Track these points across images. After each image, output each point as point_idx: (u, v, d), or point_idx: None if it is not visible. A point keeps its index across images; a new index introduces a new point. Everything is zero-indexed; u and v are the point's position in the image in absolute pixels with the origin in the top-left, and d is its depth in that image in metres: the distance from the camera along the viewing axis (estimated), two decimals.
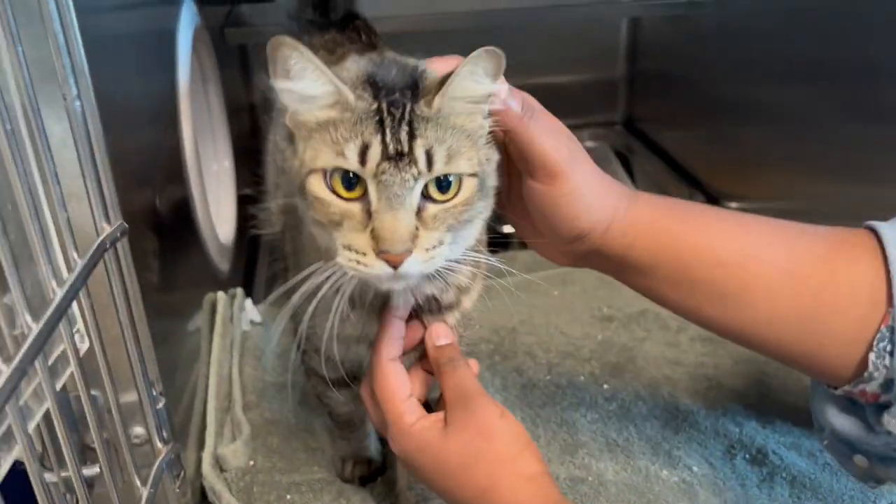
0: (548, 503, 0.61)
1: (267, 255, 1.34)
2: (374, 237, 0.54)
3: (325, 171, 0.55)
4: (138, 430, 0.68)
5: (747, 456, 0.88)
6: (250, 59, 1.52)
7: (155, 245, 0.79)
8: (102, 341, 0.59)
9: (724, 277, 0.65)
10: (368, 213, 0.55)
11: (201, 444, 0.83)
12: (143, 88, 0.81)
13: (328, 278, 0.58)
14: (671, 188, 1.46)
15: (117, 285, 0.59)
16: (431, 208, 0.56)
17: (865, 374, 0.62)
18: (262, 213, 0.94)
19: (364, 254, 0.54)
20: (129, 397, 0.66)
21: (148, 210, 0.78)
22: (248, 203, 1.31)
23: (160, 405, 0.68)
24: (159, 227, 0.81)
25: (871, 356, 0.61)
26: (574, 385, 1.00)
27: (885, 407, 0.63)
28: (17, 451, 0.47)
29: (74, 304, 0.54)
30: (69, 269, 0.54)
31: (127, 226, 0.59)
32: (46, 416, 0.52)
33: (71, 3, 0.53)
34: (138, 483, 0.64)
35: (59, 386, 0.55)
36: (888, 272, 0.60)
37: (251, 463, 0.83)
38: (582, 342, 1.09)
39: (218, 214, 1.16)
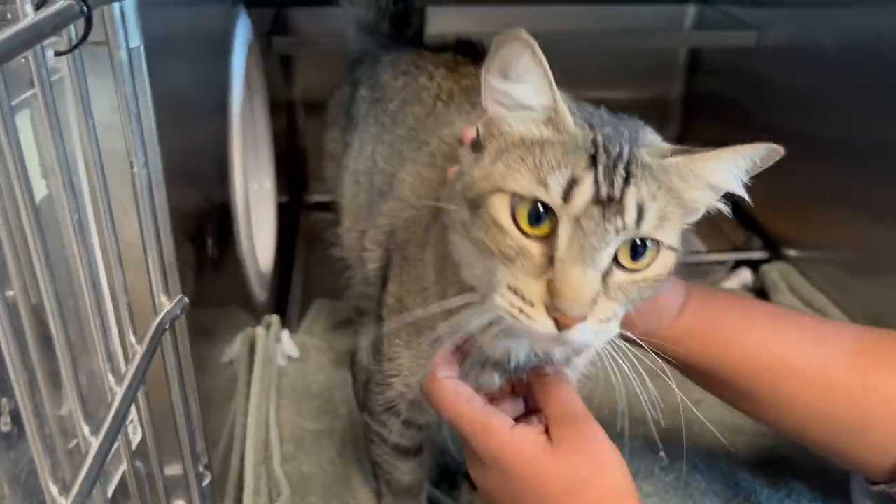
0: None
1: (301, 276, 1.29)
2: (552, 290, 0.46)
3: (514, 196, 0.48)
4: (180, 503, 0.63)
5: None
6: (295, 66, 1.45)
7: (202, 283, 0.73)
8: (154, 423, 0.53)
9: (759, 385, 0.70)
10: (550, 259, 0.47)
11: (238, 503, 0.77)
12: (199, 115, 0.75)
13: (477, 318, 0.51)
14: (727, 228, 1.39)
15: (172, 367, 0.54)
16: (619, 275, 0.49)
17: None
18: (334, 237, 0.89)
19: (532, 304, 0.47)
20: (174, 470, 0.61)
21: (202, 242, 0.73)
22: (284, 212, 1.27)
23: (206, 482, 0.63)
24: (203, 266, 0.76)
25: None
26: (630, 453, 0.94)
27: None
28: None
29: None
30: (126, 358, 0.48)
31: (187, 300, 0.54)
32: None
33: (144, 63, 0.47)
34: None
35: (113, 485, 0.50)
36: None
37: None
38: (633, 400, 1.03)
39: (258, 239, 1.10)
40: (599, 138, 0.48)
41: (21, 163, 0.34)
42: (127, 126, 0.46)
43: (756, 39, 1.33)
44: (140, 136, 0.47)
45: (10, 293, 0.38)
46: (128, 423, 0.51)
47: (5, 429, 0.39)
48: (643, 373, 0.60)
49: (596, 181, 0.46)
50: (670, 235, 0.49)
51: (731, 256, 1.32)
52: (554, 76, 0.49)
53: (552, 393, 0.60)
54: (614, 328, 0.50)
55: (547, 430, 0.59)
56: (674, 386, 0.98)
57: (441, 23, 1.23)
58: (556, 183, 0.46)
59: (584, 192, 0.46)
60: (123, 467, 0.48)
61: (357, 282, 0.83)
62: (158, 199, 0.51)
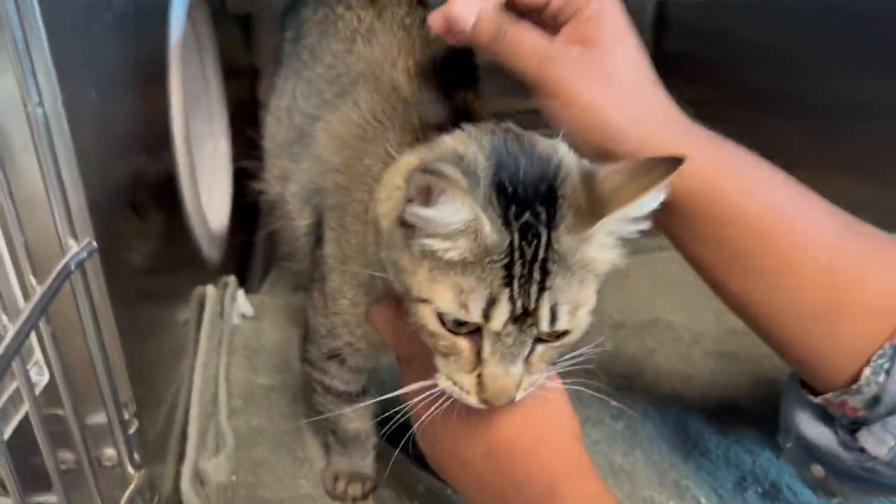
0: (587, 469, 0.57)
1: (264, 242, 1.28)
2: (481, 384, 0.51)
3: (437, 310, 0.50)
4: (109, 451, 0.63)
5: (759, 490, 0.83)
6: (253, 26, 1.44)
7: (134, 236, 0.73)
8: (65, 364, 0.53)
9: (761, 251, 0.62)
10: (478, 354, 0.51)
11: (181, 457, 0.78)
12: (127, 68, 0.74)
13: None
14: None
15: (85, 309, 0.54)
16: (540, 349, 0.52)
17: (854, 387, 0.61)
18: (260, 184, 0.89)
19: (468, 392, 0.52)
20: (99, 418, 0.61)
21: (127, 202, 0.72)
22: (244, 178, 1.26)
23: (132, 428, 0.63)
24: (140, 217, 0.75)
25: (867, 370, 0.61)
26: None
27: (860, 423, 0.63)
28: None
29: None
30: (26, 298, 0.48)
31: (96, 245, 0.54)
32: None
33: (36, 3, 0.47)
34: None
35: (17, 418, 0.50)
36: None
37: (233, 477, 0.79)
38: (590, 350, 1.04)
39: (211, 199, 1.09)
40: (516, 239, 0.48)
41: None
42: (16, 63, 0.46)
43: None
44: (32, 73, 0.47)
45: None
46: (30, 365, 0.51)
47: None
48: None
49: (511, 298, 0.48)
50: (585, 313, 0.51)
51: None
52: None
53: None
54: (537, 381, 0.54)
55: None
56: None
57: None
58: (476, 306, 0.49)
59: (501, 312, 0.49)
60: (25, 407, 0.48)
61: (286, 236, 0.82)
62: (59, 139, 0.51)
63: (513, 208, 0.48)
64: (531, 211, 0.48)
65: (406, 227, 0.51)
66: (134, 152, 0.74)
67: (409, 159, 0.56)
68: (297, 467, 0.84)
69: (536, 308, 0.49)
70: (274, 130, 0.84)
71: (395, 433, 0.89)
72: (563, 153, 0.52)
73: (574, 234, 0.49)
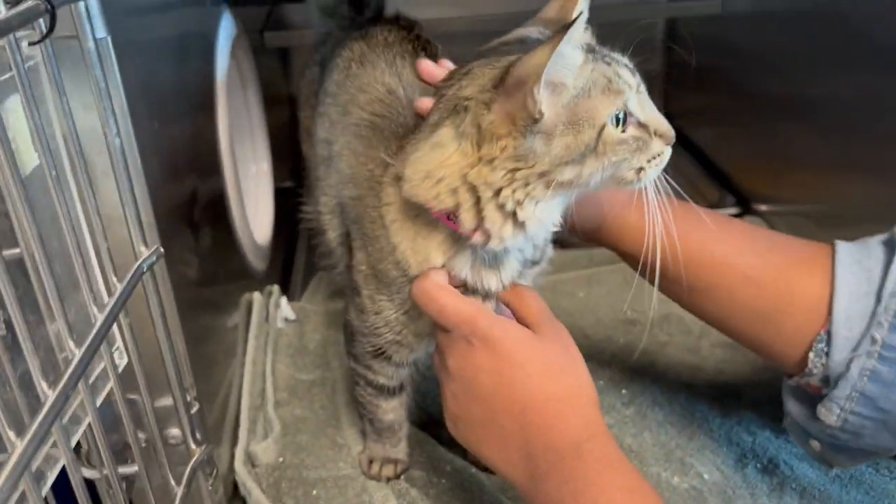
0: (607, 433, 0.65)
1: (304, 252, 1.39)
2: (660, 135, 0.63)
3: (612, 118, 0.60)
4: (174, 431, 0.73)
5: (759, 465, 0.90)
6: (291, 58, 1.56)
7: (192, 249, 0.84)
8: (140, 354, 0.64)
9: (696, 275, 0.77)
10: (643, 129, 0.63)
11: (235, 441, 0.88)
12: (182, 102, 0.85)
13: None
14: (702, 187, 1.47)
15: (154, 304, 0.64)
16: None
17: (806, 370, 0.72)
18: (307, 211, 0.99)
19: (663, 152, 0.64)
20: (166, 401, 0.71)
21: (185, 219, 0.83)
22: (286, 196, 1.37)
23: (194, 409, 0.73)
24: (196, 233, 0.86)
25: (811, 355, 0.71)
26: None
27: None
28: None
29: (115, 326, 0.59)
30: (110, 294, 0.59)
31: (163, 250, 0.64)
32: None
33: (112, 51, 0.58)
34: (173, 482, 0.69)
35: (99, 401, 0.61)
36: (832, 287, 0.71)
37: (280, 459, 0.89)
38: (604, 345, 1.12)
39: (256, 215, 1.21)
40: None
41: (4, 136, 0.44)
42: (99, 104, 0.57)
43: (720, 6, 1.39)
44: (111, 111, 0.58)
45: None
46: (114, 348, 0.62)
47: (1, 333, 0.49)
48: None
49: (620, 64, 0.64)
50: None
51: None
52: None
53: (527, 299, 0.71)
54: None
55: None
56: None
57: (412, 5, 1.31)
58: (623, 85, 0.62)
59: (627, 76, 0.63)
60: (111, 384, 0.59)
61: (325, 248, 0.90)
62: (132, 164, 0.61)
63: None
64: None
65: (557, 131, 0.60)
66: (189, 174, 0.85)
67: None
68: (337, 451, 0.93)
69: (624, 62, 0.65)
70: (313, 165, 0.95)
71: (427, 420, 0.99)
72: None
73: None
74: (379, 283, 0.75)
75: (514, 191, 0.61)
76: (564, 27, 0.56)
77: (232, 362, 0.97)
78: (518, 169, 0.60)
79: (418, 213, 0.68)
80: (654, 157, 0.63)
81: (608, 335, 1.14)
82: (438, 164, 0.63)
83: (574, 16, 0.62)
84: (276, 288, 1.18)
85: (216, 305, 0.95)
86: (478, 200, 0.62)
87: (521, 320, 0.70)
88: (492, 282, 0.71)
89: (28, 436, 0.45)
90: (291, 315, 1.14)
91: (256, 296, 1.08)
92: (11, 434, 0.44)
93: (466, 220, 0.63)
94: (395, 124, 0.74)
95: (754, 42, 1.41)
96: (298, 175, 1.61)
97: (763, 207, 1.36)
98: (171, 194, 0.76)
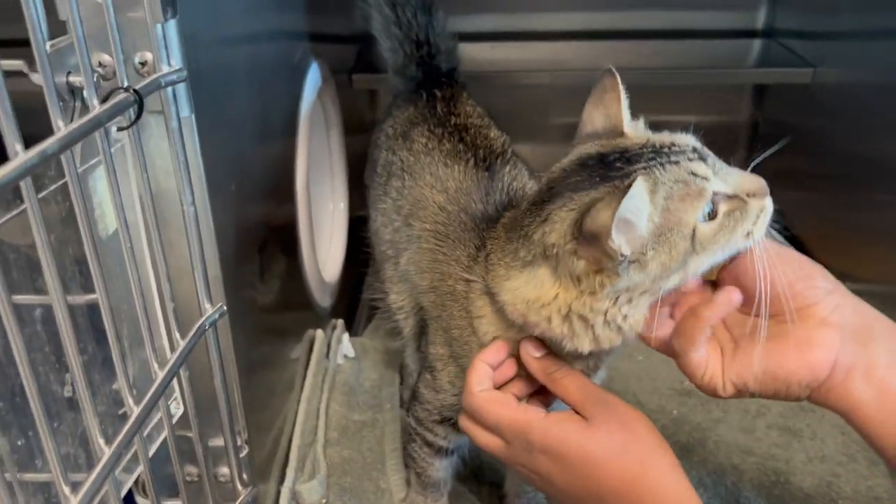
0: (689, 492, 0.65)
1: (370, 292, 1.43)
2: (753, 194, 0.63)
3: (703, 216, 0.62)
4: (224, 470, 0.78)
5: None
6: (378, 95, 1.61)
7: (258, 284, 0.88)
8: (196, 398, 0.68)
9: None
10: (732, 199, 0.63)
11: (282, 478, 0.92)
12: (263, 154, 0.90)
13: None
14: None
15: (215, 359, 0.69)
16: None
17: None
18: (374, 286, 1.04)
19: (764, 207, 0.63)
20: (218, 441, 0.76)
21: (254, 257, 0.87)
22: (361, 224, 1.41)
23: (244, 453, 0.78)
24: (264, 270, 0.90)
25: None
26: None
27: None
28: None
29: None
30: (172, 349, 0.63)
31: (226, 308, 0.69)
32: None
33: (194, 127, 0.62)
34: None
35: (154, 449, 0.65)
36: None
37: (324, 500, 0.92)
38: (656, 416, 1.11)
39: (328, 253, 1.25)
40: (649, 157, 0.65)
41: (86, 208, 0.49)
42: (178, 175, 0.62)
43: (811, 77, 1.36)
44: (188, 182, 0.62)
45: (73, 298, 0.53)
46: (171, 400, 0.67)
47: (68, 394, 0.54)
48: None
49: (689, 159, 0.63)
50: None
51: None
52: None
53: (568, 383, 0.71)
54: None
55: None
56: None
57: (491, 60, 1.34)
58: (701, 182, 0.62)
59: (700, 166, 0.63)
60: (165, 433, 0.63)
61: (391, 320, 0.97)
62: (204, 227, 0.66)
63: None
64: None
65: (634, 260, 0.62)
66: (262, 220, 0.90)
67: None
68: (379, 497, 0.96)
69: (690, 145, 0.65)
70: (374, 240, 1.01)
71: (468, 475, 1.01)
72: None
73: None
74: (456, 374, 0.79)
75: (620, 308, 0.64)
76: (622, 190, 0.58)
77: (288, 397, 1.01)
78: (621, 293, 0.64)
79: (511, 324, 0.71)
80: (758, 215, 0.63)
81: (661, 405, 1.14)
82: (540, 296, 0.66)
83: (624, 127, 0.66)
84: (340, 323, 1.22)
85: (278, 339, 0.99)
86: (587, 322, 0.65)
87: (564, 400, 0.72)
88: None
89: (81, 492, 0.49)
90: (351, 353, 1.18)
91: (319, 333, 1.12)
92: (67, 489, 0.49)
93: (583, 343, 0.67)
94: (452, 239, 0.80)
95: (844, 108, 1.37)
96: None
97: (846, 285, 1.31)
98: (241, 241, 0.80)
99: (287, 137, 0.99)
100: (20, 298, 0.55)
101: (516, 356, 0.74)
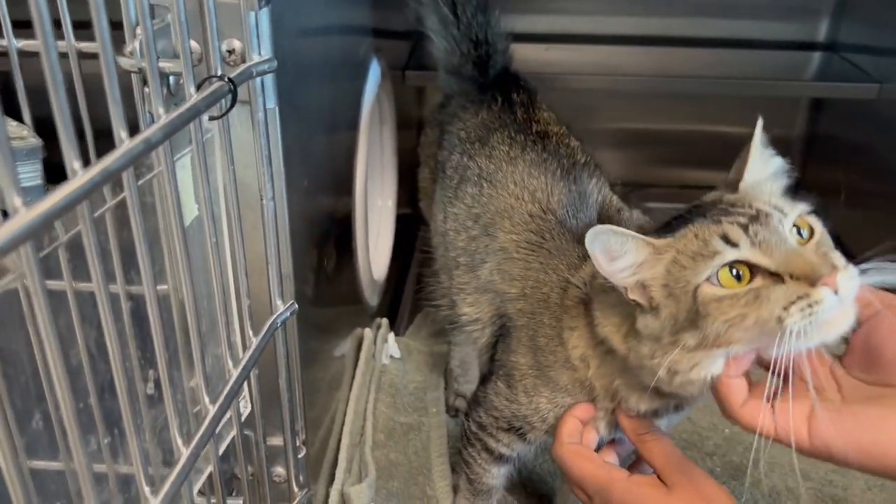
0: None
1: (413, 284, 1.42)
2: (799, 278, 0.57)
3: (708, 279, 0.59)
4: (279, 470, 0.76)
5: None
6: (426, 91, 1.60)
7: (315, 280, 0.86)
8: (263, 401, 0.67)
9: None
10: (773, 274, 0.58)
11: (331, 479, 0.91)
12: (330, 151, 0.89)
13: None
14: None
15: (282, 358, 0.67)
16: (809, 247, 0.60)
17: None
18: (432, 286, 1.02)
19: (807, 294, 0.56)
20: (277, 441, 0.74)
21: (315, 254, 0.86)
22: (404, 223, 1.40)
23: (301, 454, 0.76)
24: (321, 265, 0.89)
25: None
26: None
27: None
28: None
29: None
30: (245, 347, 0.62)
31: (297, 306, 0.67)
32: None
33: (278, 119, 0.61)
34: None
35: (223, 448, 0.64)
36: None
37: None
38: (708, 433, 1.09)
39: (375, 250, 1.24)
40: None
41: (177, 202, 0.48)
42: (260, 168, 0.60)
43: (878, 92, 1.33)
44: (270, 176, 0.61)
45: (161, 287, 0.52)
46: (240, 398, 0.65)
47: (150, 392, 0.52)
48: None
49: (732, 221, 0.60)
50: (804, 207, 0.63)
51: None
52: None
53: (654, 446, 0.72)
54: (855, 270, 0.58)
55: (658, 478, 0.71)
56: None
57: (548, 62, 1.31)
58: (721, 246, 0.59)
59: (735, 231, 0.59)
60: (234, 432, 0.62)
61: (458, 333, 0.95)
62: (281, 224, 0.64)
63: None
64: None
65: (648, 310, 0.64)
66: (327, 217, 0.88)
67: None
68: (425, 503, 0.94)
69: (756, 210, 0.60)
70: (437, 243, 0.99)
71: (515, 485, 0.99)
72: None
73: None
74: (539, 383, 0.78)
75: (684, 358, 0.63)
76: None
77: (336, 395, 0.99)
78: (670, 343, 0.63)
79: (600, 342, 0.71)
80: (795, 302, 0.56)
81: (714, 423, 1.11)
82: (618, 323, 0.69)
83: (743, 181, 0.66)
84: (385, 322, 1.20)
85: (329, 336, 0.97)
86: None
87: (650, 463, 0.73)
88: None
89: (161, 494, 0.48)
90: (397, 353, 1.16)
91: (367, 332, 1.11)
92: (147, 490, 0.47)
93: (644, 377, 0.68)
94: (548, 249, 0.80)
95: None
96: (416, 204, 1.65)
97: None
98: (308, 239, 0.79)
99: (350, 132, 0.97)
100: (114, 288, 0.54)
101: None
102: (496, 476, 0.88)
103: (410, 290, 1.42)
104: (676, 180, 1.65)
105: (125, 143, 0.40)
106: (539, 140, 0.89)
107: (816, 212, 0.64)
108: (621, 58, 1.56)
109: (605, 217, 0.84)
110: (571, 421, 0.76)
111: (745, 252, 0.59)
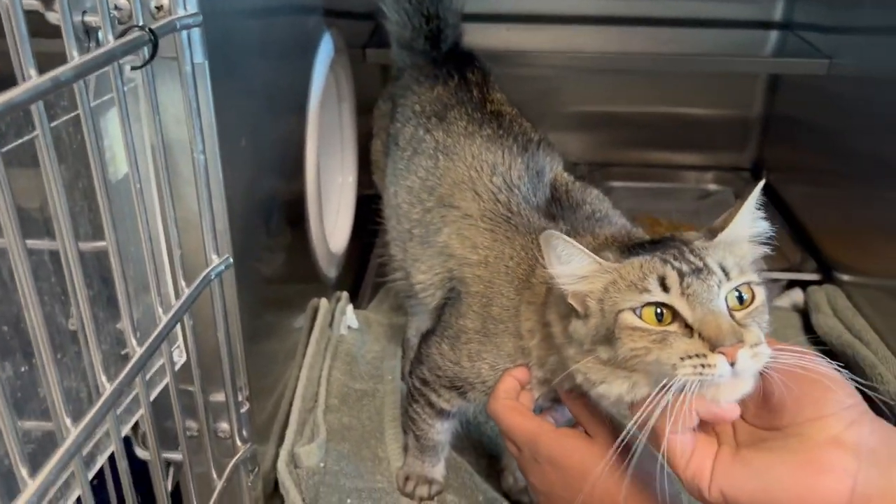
0: None
1: (377, 260, 1.44)
2: (705, 339, 0.59)
3: (632, 309, 0.62)
4: (224, 426, 0.78)
5: None
6: (390, 72, 1.61)
7: (264, 250, 0.88)
8: (199, 351, 0.69)
9: None
10: (688, 330, 0.61)
11: (281, 440, 0.93)
12: (274, 118, 0.90)
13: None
14: (785, 247, 1.42)
15: (219, 310, 0.69)
16: (738, 314, 0.61)
17: None
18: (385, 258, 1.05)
19: (704, 355, 0.59)
20: (219, 397, 0.76)
21: (261, 221, 0.87)
22: (368, 203, 1.41)
23: (244, 409, 0.78)
24: (270, 235, 0.91)
25: None
26: None
27: None
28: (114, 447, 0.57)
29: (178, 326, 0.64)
30: (177, 297, 0.64)
31: (232, 260, 0.69)
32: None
33: (207, 74, 0.62)
34: (215, 475, 0.74)
35: (156, 392, 0.66)
36: None
37: (322, 464, 0.92)
38: None
39: (335, 224, 1.26)
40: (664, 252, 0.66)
41: (97, 143, 0.49)
42: (189, 122, 0.62)
43: (828, 68, 1.36)
44: (199, 130, 0.62)
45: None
46: (174, 347, 0.67)
47: (72, 327, 0.54)
48: None
49: (675, 268, 0.62)
50: (754, 275, 0.63)
51: (782, 276, 1.35)
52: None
53: (580, 402, 0.76)
54: (766, 350, 0.60)
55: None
56: None
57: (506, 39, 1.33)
58: (653, 285, 0.62)
59: (673, 278, 0.61)
60: (167, 379, 0.64)
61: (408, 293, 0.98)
62: (213, 178, 0.66)
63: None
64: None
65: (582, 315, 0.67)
66: (271, 183, 0.90)
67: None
68: (376, 464, 0.97)
69: (705, 263, 0.62)
70: (389, 215, 1.01)
71: (466, 447, 1.01)
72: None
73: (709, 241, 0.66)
74: (483, 349, 0.81)
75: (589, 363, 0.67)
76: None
77: (291, 363, 1.01)
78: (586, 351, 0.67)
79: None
80: (691, 357, 0.59)
81: None
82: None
83: (723, 231, 0.67)
84: (344, 295, 1.22)
85: (283, 307, 0.99)
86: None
87: (577, 420, 0.77)
88: None
89: (82, 423, 0.50)
90: (355, 324, 1.18)
91: (323, 301, 1.12)
92: (68, 420, 0.49)
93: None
94: (514, 224, 0.83)
95: (859, 102, 1.36)
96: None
97: (845, 277, 1.31)
98: (250, 201, 0.80)
99: (298, 99, 0.99)
100: (32, 243, 0.55)
101: None
102: (441, 431, 0.91)
103: (374, 265, 1.44)
104: (638, 160, 1.68)
105: (33, 79, 0.42)
106: (494, 118, 0.92)
107: (772, 280, 0.65)
108: (582, 37, 1.58)
109: (557, 196, 0.87)
110: (509, 380, 0.79)
111: (673, 299, 0.61)
